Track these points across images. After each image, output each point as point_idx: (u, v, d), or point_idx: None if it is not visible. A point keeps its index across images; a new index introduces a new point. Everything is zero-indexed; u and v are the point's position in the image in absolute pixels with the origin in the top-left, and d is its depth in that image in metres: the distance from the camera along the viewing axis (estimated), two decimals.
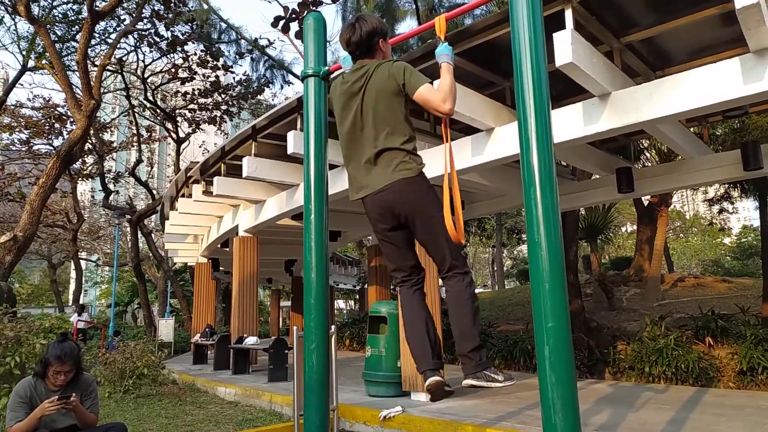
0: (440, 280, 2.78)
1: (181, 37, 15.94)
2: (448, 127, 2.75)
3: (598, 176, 8.92)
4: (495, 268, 36.34)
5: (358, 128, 2.73)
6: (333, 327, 4.13)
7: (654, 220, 14.76)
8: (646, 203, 15.40)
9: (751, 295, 13.63)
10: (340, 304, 44.63)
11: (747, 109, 6.86)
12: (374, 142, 2.66)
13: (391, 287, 14.64)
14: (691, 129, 8.34)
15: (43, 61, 12.59)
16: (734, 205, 15.81)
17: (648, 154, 14.89)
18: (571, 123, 5.45)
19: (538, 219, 2.35)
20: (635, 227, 19.50)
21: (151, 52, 17.08)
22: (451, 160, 2.62)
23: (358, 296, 33.10)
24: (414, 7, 14.88)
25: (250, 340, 9.91)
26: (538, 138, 2.39)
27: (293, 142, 7.32)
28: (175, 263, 22.00)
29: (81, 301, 31.16)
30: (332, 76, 3.47)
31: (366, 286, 21.69)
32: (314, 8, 9.30)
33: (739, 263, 30.32)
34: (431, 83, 2.60)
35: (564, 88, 6.24)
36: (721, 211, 16.06)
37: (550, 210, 2.35)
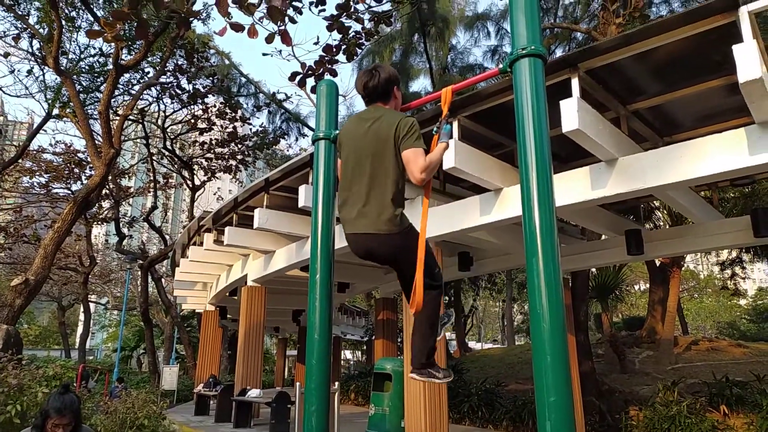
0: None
1: (202, 89, 16.44)
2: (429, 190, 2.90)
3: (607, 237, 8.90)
4: (505, 323, 35.78)
5: (357, 165, 2.82)
6: (336, 384, 4.09)
7: (666, 280, 14.58)
8: (658, 263, 15.25)
9: (767, 361, 13.26)
10: (347, 354, 43.95)
11: (755, 178, 6.89)
12: (368, 185, 2.75)
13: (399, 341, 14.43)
14: (702, 193, 8.37)
15: (67, 110, 13.02)
16: (746, 270, 15.60)
17: (659, 214, 14.87)
18: (578, 187, 5.51)
19: (540, 289, 2.35)
20: (648, 285, 19.23)
21: (172, 103, 17.61)
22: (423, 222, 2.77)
23: (365, 347, 32.61)
24: (428, 66, 15.33)
25: (253, 393, 9.76)
26: (540, 209, 2.42)
27: (304, 196, 7.44)
28: (182, 309, 21.97)
29: (87, 345, 30.98)
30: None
31: (373, 338, 21.40)
32: (330, 66, 9.57)
33: (755, 326, 29.66)
34: (424, 150, 2.69)
35: (573, 151, 6.31)
36: (732, 275, 15.85)
37: (552, 280, 2.35)
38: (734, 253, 14.30)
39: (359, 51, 10.88)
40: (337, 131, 3.64)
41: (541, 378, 2.28)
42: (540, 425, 2.23)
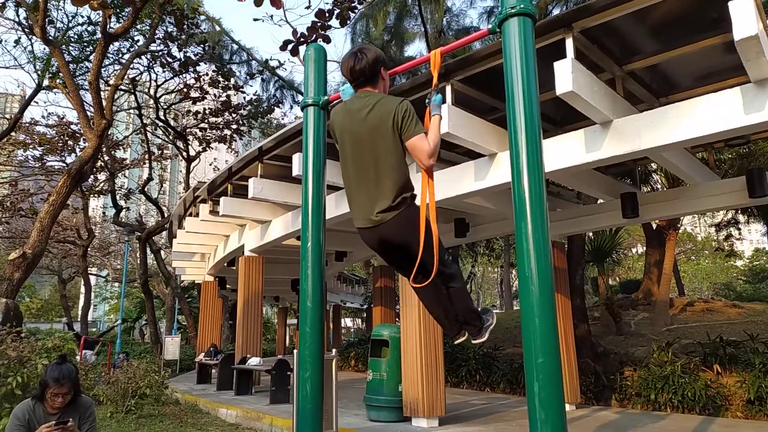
0: None
1: (193, 57, 16.16)
2: (431, 177, 2.86)
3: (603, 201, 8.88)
4: (503, 289, 36.11)
5: (358, 158, 2.78)
6: (334, 351, 4.13)
7: (662, 243, 14.64)
8: (654, 226, 15.29)
9: (761, 321, 13.43)
10: (347, 322, 44.48)
11: (750, 138, 6.83)
12: (373, 175, 2.72)
13: (397, 308, 14.50)
14: (698, 154, 8.31)
15: (57, 81, 12.83)
16: (741, 231, 15.66)
17: (657, 177, 14.84)
18: (573, 150, 5.46)
19: (529, 253, 2.35)
20: (645, 248, 19.33)
21: (163, 72, 17.35)
22: (431, 202, 2.81)
23: (365, 315, 32.97)
24: (423, 29, 15.05)
25: (253, 361, 9.89)
26: (529, 173, 2.40)
27: (298, 164, 7.38)
28: (182, 280, 22.08)
29: (90, 317, 31.24)
30: (331, 105, 3.52)
31: (372, 305, 21.60)
32: (323, 31, 9.40)
33: (751, 287, 29.93)
34: (425, 133, 2.68)
35: (568, 113, 6.24)
36: (727, 236, 15.91)
37: (540, 244, 2.35)
38: (730, 215, 14.31)
39: (352, 15, 10.67)
40: (326, 97, 3.58)
41: (529, 340, 2.30)
42: (528, 385, 2.26)
